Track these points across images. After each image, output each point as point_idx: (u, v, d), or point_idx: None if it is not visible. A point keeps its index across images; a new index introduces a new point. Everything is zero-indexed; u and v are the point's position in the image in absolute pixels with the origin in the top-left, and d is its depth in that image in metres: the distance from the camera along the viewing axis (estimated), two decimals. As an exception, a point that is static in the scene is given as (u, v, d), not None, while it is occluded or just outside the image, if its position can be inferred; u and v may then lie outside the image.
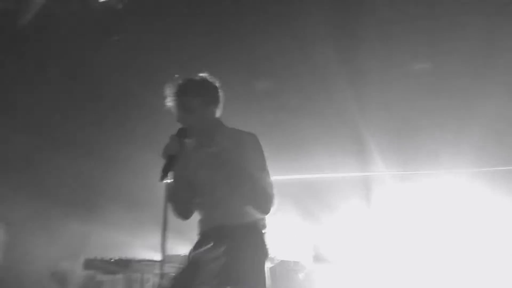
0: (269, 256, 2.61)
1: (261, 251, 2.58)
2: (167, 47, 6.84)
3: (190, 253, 2.69)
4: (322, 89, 7.07)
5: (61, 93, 7.52)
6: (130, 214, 7.23)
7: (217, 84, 2.70)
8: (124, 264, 3.22)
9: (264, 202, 2.54)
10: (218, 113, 2.71)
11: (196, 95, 2.59)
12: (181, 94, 2.60)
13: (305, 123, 7.20)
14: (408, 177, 7.14)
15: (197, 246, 2.68)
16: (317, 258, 6.36)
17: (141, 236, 7.12)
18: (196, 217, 2.86)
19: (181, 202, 2.70)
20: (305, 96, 7.20)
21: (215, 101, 2.68)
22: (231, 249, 2.48)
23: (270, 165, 2.77)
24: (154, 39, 6.80)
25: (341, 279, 6.20)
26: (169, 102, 2.63)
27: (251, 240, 2.56)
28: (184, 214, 2.74)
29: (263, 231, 2.64)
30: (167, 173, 2.48)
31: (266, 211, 2.57)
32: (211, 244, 2.54)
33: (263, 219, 2.66)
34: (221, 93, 2.71)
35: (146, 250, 6.32)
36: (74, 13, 7.19)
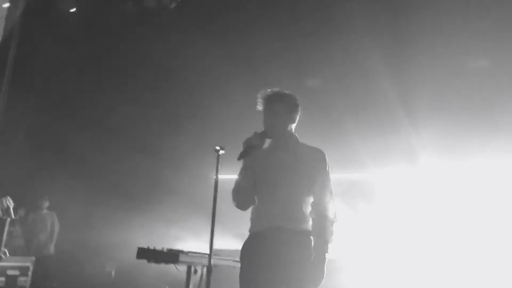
0: None
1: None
2: (228, 50, 7.02)
3: (244, 251, 2.89)
4: (371, 88, 7.04)
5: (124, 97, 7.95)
6: (182, 209, 7.51)
7: (298, 99, 3.04)
8: (174, 255, 3.38)
9: (329, 235, 2.83)
10: (295, 124, 3.04)
11: (283, 102, 2.96)
12: (271, 100, 2.97)
13: (353, 121, 7.21)
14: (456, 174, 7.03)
15: (253, 245, 2.86)
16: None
17: (191, 229, 7.39)
18: (244, 216, 3.02)
19: (243, 193, 2.92)
20: (353, 94, 7.19)
21: (296, 111, 3.01)
22: (286, 254, 2.73)
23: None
24: (212, 42, 7.01)
25: (382, 275, 6.21)
26: (259, 107, 3.01)
27: (305, 247, 2.78)
28: (243, 205, 2.96)
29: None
30: (242, 157, 2.86)
31: (330, 241, 2.84)
32: (269, 247, 2.76)
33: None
34: (300, 108, 3.03)
35: (196, 242, 6.55)
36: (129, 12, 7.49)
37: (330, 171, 2.96)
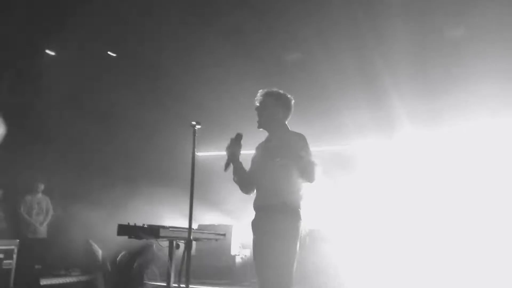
0: (300, 228, 3.19)
1: (295, 225, 3.19)
2: (205, 25, 6.95)
3: (252, 226, 3.32)
4: (352, 59, 7.04)
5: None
6: (162, 186, 7.54)
7: (291, 98, 3.44)
8: (155, 230, 3.41)
9: (311, 173, 3.18)
10: (286, 117, 3.44)
11: (269, 96, 3.42)
12: (262, 95, 3.44)
13: (335, 93, 7.23)
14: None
15: (251, 222, 3.35)
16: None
17: (174, 206, 7.43)
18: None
19: (241, 183, 3.42)
20: (335, 66, 7.19)
21: (283, 105, 3.42)
22: (270, 224, 3.16)
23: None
24: (189, 20, 6.93)
25: (363, 244, 6.33)
26: (256, 103, 3.43)
27: (287, 216, 3.19)
28: (245, 191, 3.46)
29: (298, 209, 3.23)
30: (227, 168, 3.32)
31: (312, 179, 3.20)
32: (255, 221, 3.28)
33: (299, 200, 3.24)
34: (291, 104, 3.43)
35: (177, 218, 6.61)
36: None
37: (309, 147, 3.27)
